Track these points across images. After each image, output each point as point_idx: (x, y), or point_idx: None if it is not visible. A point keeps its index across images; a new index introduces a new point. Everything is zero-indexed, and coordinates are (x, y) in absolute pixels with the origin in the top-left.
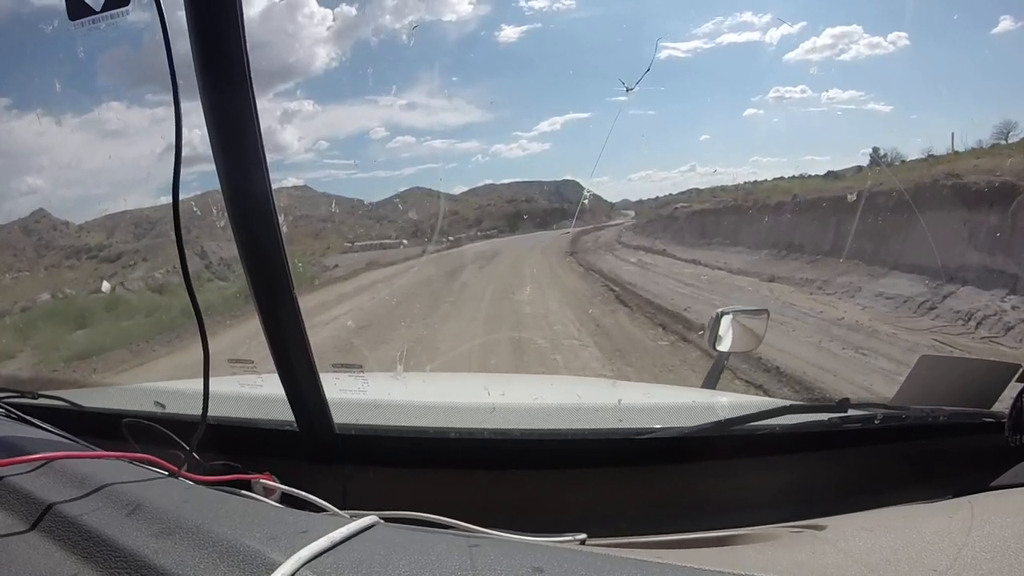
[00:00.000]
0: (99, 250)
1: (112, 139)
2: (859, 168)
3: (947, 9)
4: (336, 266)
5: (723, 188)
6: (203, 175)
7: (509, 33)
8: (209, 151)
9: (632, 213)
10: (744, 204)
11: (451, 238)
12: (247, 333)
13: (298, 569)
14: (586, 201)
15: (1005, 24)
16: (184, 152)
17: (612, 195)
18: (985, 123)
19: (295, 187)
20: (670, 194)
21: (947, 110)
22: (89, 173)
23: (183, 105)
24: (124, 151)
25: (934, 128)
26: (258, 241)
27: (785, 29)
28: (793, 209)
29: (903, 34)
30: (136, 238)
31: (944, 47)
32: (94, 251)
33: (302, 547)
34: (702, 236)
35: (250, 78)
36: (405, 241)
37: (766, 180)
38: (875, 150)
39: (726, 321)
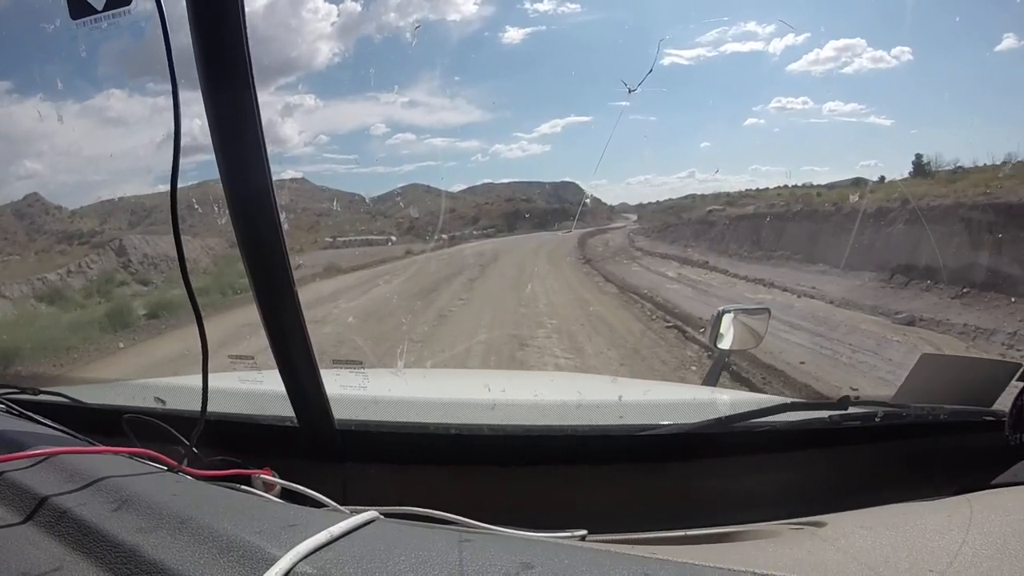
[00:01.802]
0: (91, 236)
1: (112, 127)
2: (880, 179)
3: (951, 25)
4: (299, 266)
5: (777, 191)
6: (201, 164)
7: (513, 35)
8: (209, 140)
9: (633, 216)
10: (821, 209)
11: (444, 236)
12: (167, 354)
13: (296, 563)
14: (587, 201)
15: (1008, 42)
16: (184, 141)
17: (610, 198)
18: (987, 140)
19: (293, 180)
20: (670, 198)
21: (948, 126)
22: (88, 160)
23: (184, 95)
24: (124, 139)
25: (934, 143)
26: (258, 237)
27: (789, 40)
28: (909, 218)
29: (906, 49)
30: (131, 226)
31: (947, 63)
32: (86, 237)
33: (300, 542)
34: (757, 247)
35: (251, 73)
36: (394, 238)
37: (768, 188)
38: (918, 156)
39: (727, 319)
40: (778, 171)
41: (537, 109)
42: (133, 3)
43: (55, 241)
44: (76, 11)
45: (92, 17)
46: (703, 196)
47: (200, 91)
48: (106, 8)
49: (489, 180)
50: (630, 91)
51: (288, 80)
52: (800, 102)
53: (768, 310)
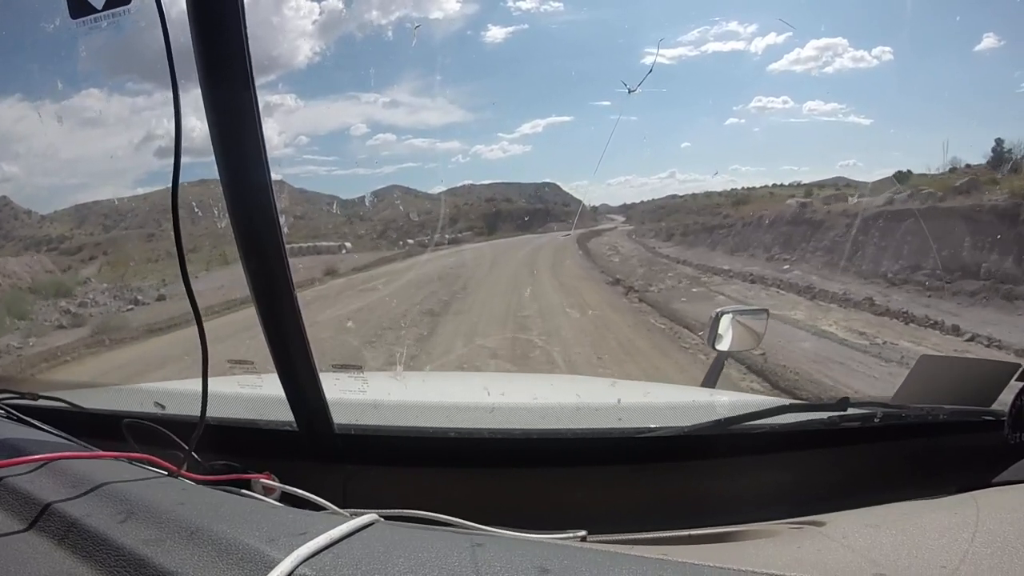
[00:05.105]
0: (60, 241)
1: (90, 128)
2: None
3: (932, 25)
4: (161, 297)
5: (768, 190)
6: (186, 166)
7: (495, 34)
8: (197, 142)
9: (620, 217)
10: None
11: (412, 241)
12: None
13: (297, 567)
14: (591, 206)
15: (988, 41)
16: (167, 143)
17: (591, 199)
18: (966, 140)
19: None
20: (653, 199)
21: (928, 125)
22: (65, 162)
23: (170, 96)
24: (101, 141)
25: (913, 143)
26: (258, 240)
27: (770, 39)
28: None
29: (887, 48)
30: (105, 230)
31: (928, 62)
32: (55, 243)
33: (301, 545)
34: (967, 274)
35: (251, 73)
36: (348, 244)
37: (755, 187)
38: (998, 141)
39: (726, 320)
40: (759, 171)
41: (518, 109)
42: (133, 2)
43: (23, 247)
44: (76, 10)
45: (92, 16)
46: (696, 195)
47: (198, 91)
48: (106, 7)
49: (470, 181)
50: (630, 91)
51: (268, 79)
52: (781, 102)
53: (767, 310)
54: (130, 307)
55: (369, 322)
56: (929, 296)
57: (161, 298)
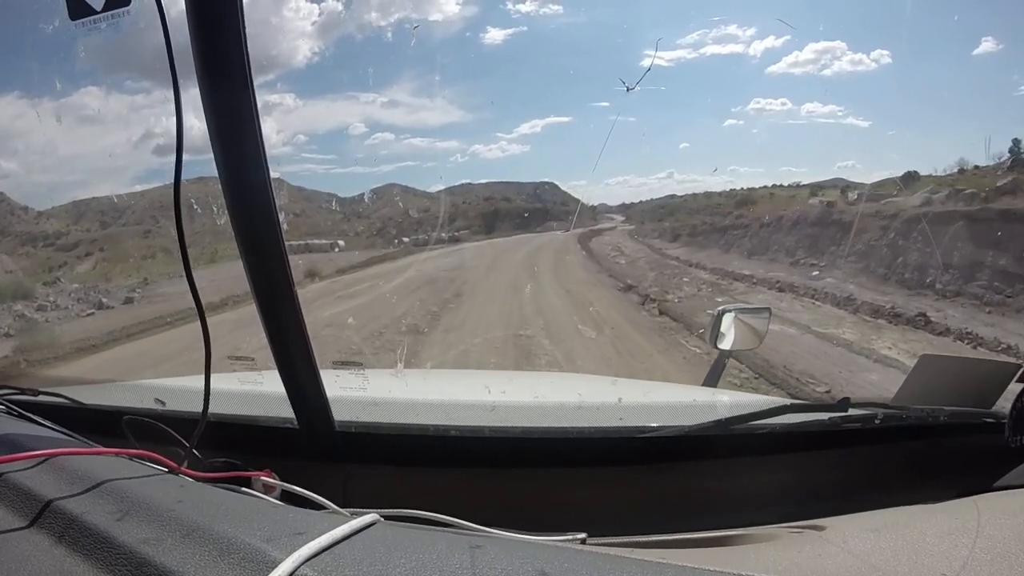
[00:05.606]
0: (56, 237)
1: (88, 125)
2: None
3: (931, 29)
4: (128, 300)
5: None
6: (185, 164)
7: (494, 35)
8: (195, 140)
9: (620, 217)
10: None
11: (407, 239)
12: None
13: (298, 567)
14: (590, 205)
15: (987, 45)
16: (165, 140)
17: (589, 199)
18: (965, 142)
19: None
20: (652, 198)
21: (926, 128)
22: (63, 159)
23: (168, 94)
24: (99, 138)
25: (911, 145)
26: (258, 237)
27: (769, 42)
28: None
29: (886, 52)
30: (102, 226)
31: (926, 66)
32: (51, 239)
33: (302, 545)
34: None
35: (250, 72)
36: (341, 243)
37: (755, 188)
38: (1015, 142)
39: (727, 319)
40: (757, 172)
41: (517, 109)
42: (132, 3)
43: (19, 243)
44: (75, 12)
45: (91, 18)
46: (696, 195)
47: (196, 89)
48: (105, 8)
49: (468, 180)
50: (628, 89)
51: (267, 78)
52: (779, 103)
53: (769, 309)
54: (91, 311)
55: (341, 339)
56: (989, 312)
57: (128, 301)
